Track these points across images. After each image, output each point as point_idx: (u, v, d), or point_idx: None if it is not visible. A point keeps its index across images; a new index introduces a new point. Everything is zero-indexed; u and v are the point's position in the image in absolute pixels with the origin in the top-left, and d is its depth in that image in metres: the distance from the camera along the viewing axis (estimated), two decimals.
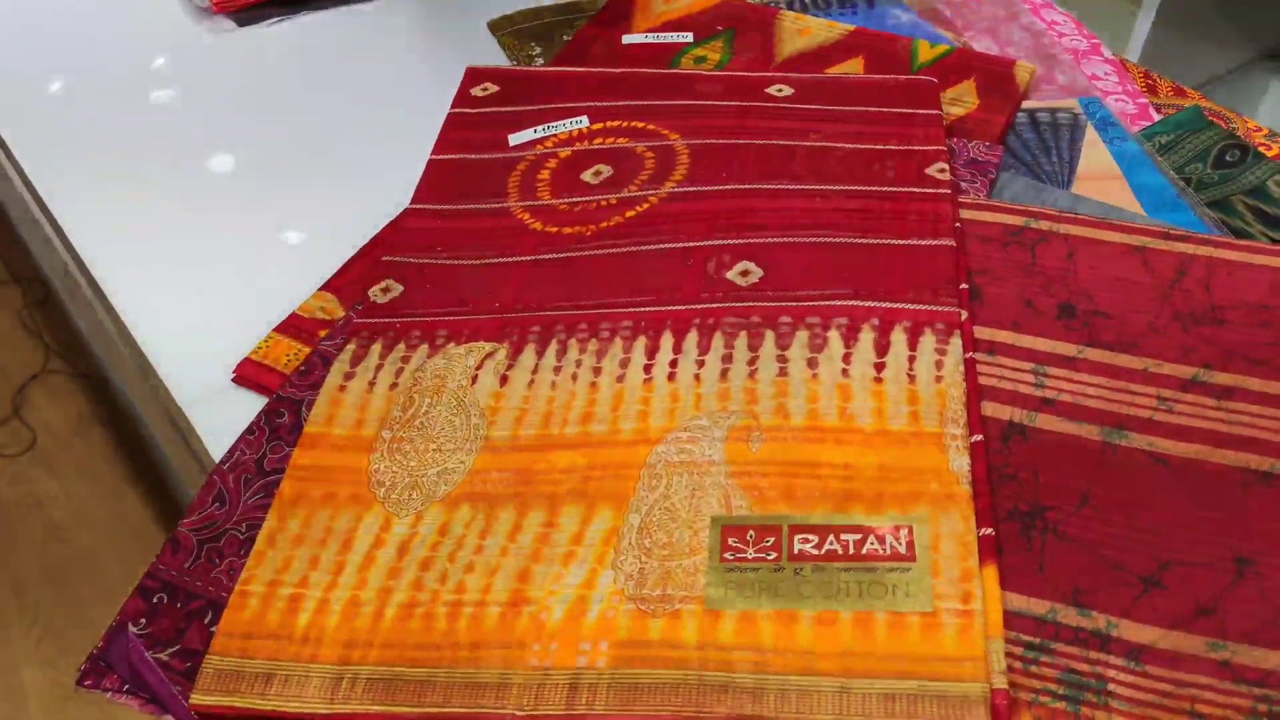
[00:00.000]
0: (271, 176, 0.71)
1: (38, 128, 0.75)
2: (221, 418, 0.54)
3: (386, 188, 0.66)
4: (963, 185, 0.64)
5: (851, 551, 0.43)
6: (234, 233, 0.66)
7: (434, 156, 0.68)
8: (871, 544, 0.43)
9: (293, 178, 0.70)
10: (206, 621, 0.45)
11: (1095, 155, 0.69)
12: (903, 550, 0.43)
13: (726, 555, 0.43)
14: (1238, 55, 1.59)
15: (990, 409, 0.49)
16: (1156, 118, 0.76)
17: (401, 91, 0.78)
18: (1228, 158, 0.70)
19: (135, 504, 1.36)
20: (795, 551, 0.43)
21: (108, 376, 1.35)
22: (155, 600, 0.46)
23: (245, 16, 0.83)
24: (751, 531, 0.44)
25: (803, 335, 0.52)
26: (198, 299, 0.62)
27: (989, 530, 0.44)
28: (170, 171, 0.71)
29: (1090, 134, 0.72)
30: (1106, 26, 1.58)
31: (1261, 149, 0.73)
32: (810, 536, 0.44)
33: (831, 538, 0.44)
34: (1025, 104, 0.74)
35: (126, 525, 1.34)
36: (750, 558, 0.43)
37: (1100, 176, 0.68)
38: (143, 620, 0.45)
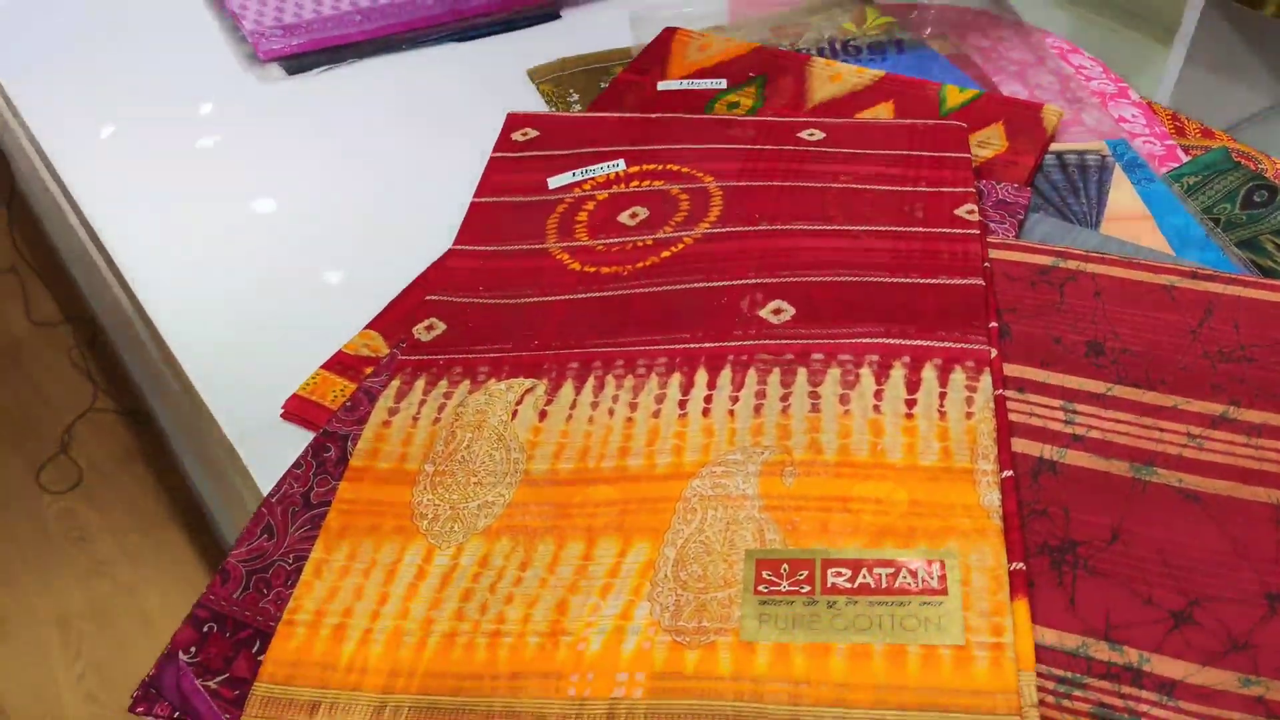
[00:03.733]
0: (318, 217, 0.73)
1: (93, 170, 0.77)
2: (270, 452, 0.56)
3: (430, 229, 0.68)
4: (991, 226, 0.65)
5: (884, 585, 0.44)
6: (282, 272, 0.69)
7: (476, 199, 0.70)
8: (904, 578, 0.44)
9: (339, 218, 0.73)
10: (255, 650, 0.46)
11: (1123, 196, 0.70)
12: (935, 584, 0.44)
13: (760, 588, 0.44)
14: (1269, 95, 1.59)
15: (1020, 445, 0.50)
16: (1184, 159, 0.77)
17: (445, 136, 0.80)
18: (1255, 198, 0.70)
19: (177, 538, 1.38)
20: (828, 585, 0.44)
21: (153, 413, 1.38)
22: (205, 629, 0.48)
23: (293, 64, 0.86)
24: (785, 565, 0.45)
25: (835, 372, 0.53)
26: (247, 337, 0.64)
27: (1020, 565, 0.44)
28: (220, 212, 0.73)
29: (1118, 175, 0.73)
30: (1136, 66, 1.58)
31: None
32: (843, 570, 0.45)
33: (864, 571, 0.44)
34: (1053, 146, 0.75)
35: (168, 559, 1.36)
36: (784, 591, 0.44)
37: (1128, 217, 0.69)
38: (193, 649, 0.47)
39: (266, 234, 0.72)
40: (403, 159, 0.78)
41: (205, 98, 0.84)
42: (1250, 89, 1.58)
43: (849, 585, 0.44)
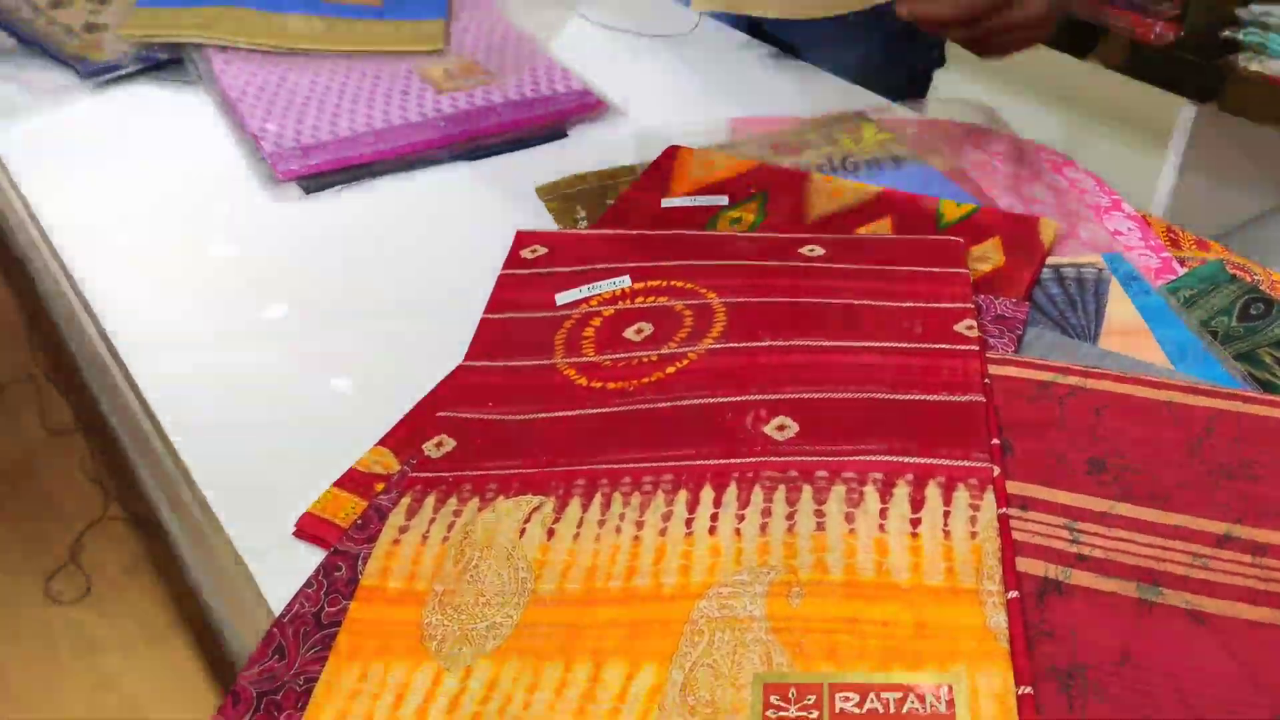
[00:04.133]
0: (333, 329, 0.75)
1: (110, 279, 0.80)
2: (282, 570, 0.56)
3: (443, 341, 0.70)
4: (991, 340, 0.66)
5: (893, 710, 0.44)
6: (297, 382, 0.70)
7: (486, 315, 0.72)
8: (912, 703, 0.44)
9: (353, 330, 0.74)
10: None
11: (1121, 310, 0.72)
12: (943, 709, 0.44)
13: (769, 713, 0.44)
14: (1265, 200, 1.63)
15: (1025, 565, 0.50)
16: (1180, 271, 0.78)
17: (456, 252, 0.82)
18: (1252, 310, 0.72)
19: (185, 650, 1.38)
20: (837, 710, 0.44)
21: (163, 522, 1.38)
22: None
23: (310, 184, 0.89)
24: (793, 689, 0.45)
25: (839, 490, 0.54)
26: (260, 447, 0.65)
27: (1028, 689, 0.44)
28: (234, 322, 0.75)
29: (1115, 289, 0.74)
30: (1132, 173, 1.62)
31: None
32: (851, 695, 0.45)
33: (872, 696, 0.44)
34: (1050, 260, 0.77)
35: (176, 673, 1.35)
36: (792, 716, 0.44)
37: (1127, 331, 0.70)
38: None
39: (280, 344, 0.74)
40: (415, 274, 0.80)
41: (223, 213, 0.87)
42: (1246, 194, 1.62)
43: (857, 710, 0.44)
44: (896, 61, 1.08)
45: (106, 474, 1.56)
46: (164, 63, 1.05)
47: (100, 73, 1.02)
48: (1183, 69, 1.39)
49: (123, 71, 1.02)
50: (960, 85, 1.07)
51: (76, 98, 1.01)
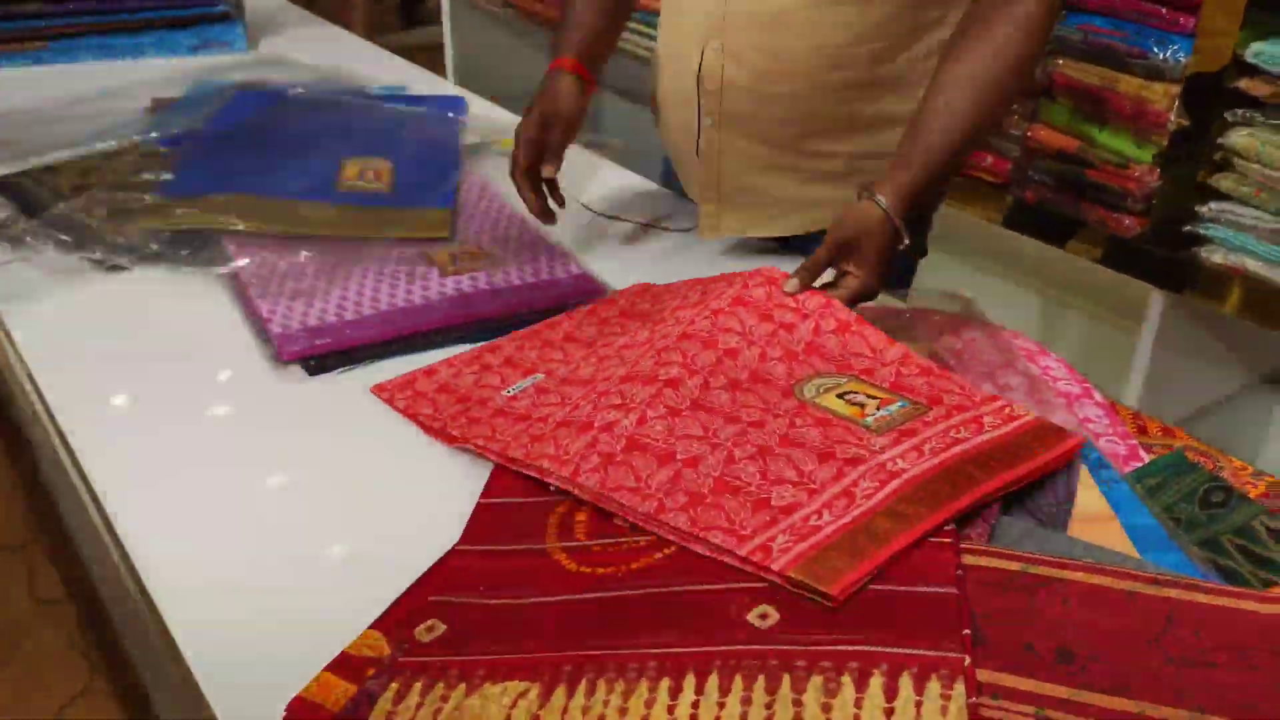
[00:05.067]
0: (329, 506, 0.77)
1: (108, 454, 0.82)
2: None
3: (438, 522, 0.72)
4: (964, 530, 0.69)
5: None
6: (292, 558, 0.72)
7: (482, 500, 0.75)
8: None
9: (350, 508, 0.77)
10: None
11: (1089, 498, 0.75)
12: None
13: None
14: (1237, 380, 1.68)
15: None
16: (1146, 458, 0.82)
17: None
18: (1213, 498, 0.75)
19: None
20: None
21: (150, 699, 1.37)
22: None
23: (314, 365, 0.93)
24: None
25: (817, 680, 0.56)
26: (252, 623, 0.67)
27: None
28: (232, 499, 0.78)
29: (1085, 476, 0.77)
30: (1107, 355, 1.68)
31: (1247, 487, 0.78)
32: None
33: None
34: None
35: None
36: None
37: (1095, 519, 0.73)
38: None
39: (278, 521, 0.76)
40: (416, 451, 0.83)
41: (228, 392, 0.90)
42: (1219, 374, 1.67)
43: None
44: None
45: (93, 646, 1.55)
46: (179, 246, 1.10)
47: (118, 257, 1.07)
48: (1152, 260, 1.47)
49: (136, 257, 1.07)
50: (943, 270, 1.13)
51: (90, 280, 1.06)
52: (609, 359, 0.88)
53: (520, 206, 1.14)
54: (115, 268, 1.07)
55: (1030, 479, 0.72)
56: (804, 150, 1.10)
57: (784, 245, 1.19)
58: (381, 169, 1.24)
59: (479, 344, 0.96)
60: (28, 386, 0.96)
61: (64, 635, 1.58)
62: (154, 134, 1.29)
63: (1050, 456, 0.73)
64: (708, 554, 0.66)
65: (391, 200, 1.20)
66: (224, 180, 1.17)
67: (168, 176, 1.18)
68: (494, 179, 1.28)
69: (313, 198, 1.17)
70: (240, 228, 1.10)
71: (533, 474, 0.75)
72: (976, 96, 0.93)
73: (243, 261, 1.06)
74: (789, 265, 0.94)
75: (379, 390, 0.89)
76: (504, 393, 0.86)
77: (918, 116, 0.95)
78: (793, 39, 1.03)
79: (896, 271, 1.16)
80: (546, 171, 1.10)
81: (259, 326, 0.98)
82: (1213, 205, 1.39)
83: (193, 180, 1.18)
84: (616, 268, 1.12)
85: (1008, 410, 0.78)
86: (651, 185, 1.35)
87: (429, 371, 0.91)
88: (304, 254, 1.07)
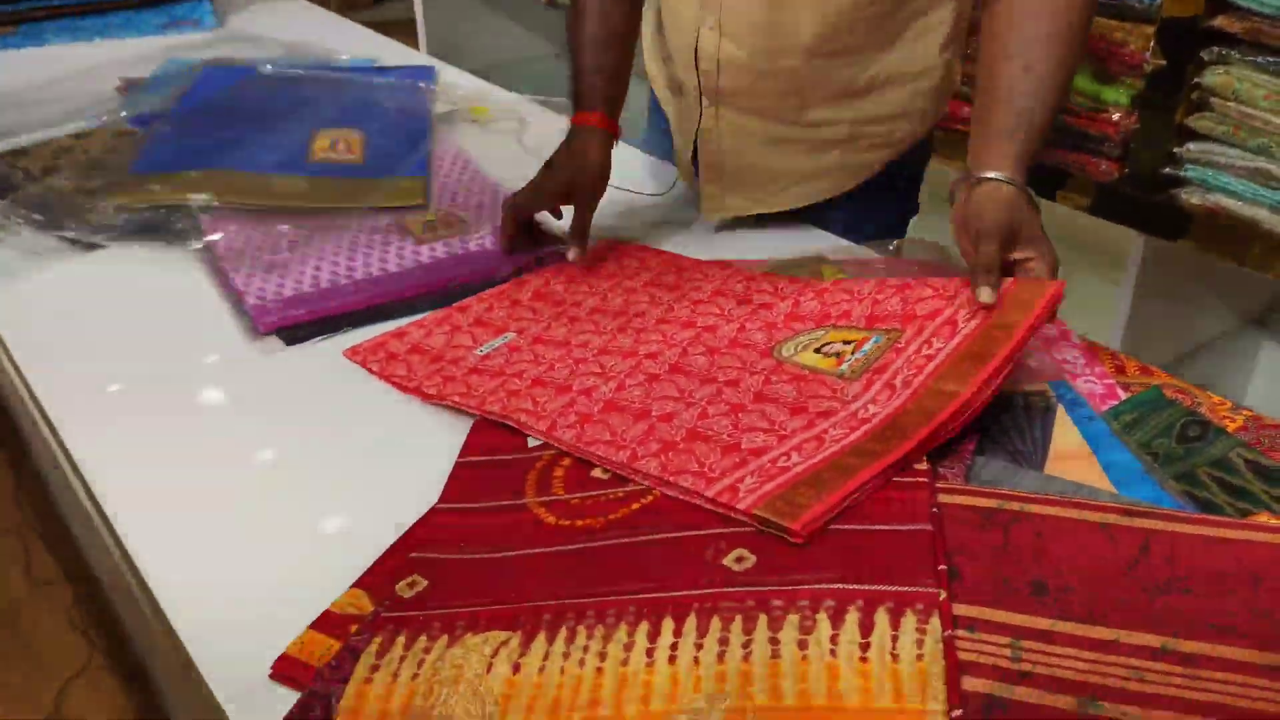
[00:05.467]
0: (313, 473, 0.77)
1: (92, 431, 0.82)
2: (259, 712, 0.58)
3: (421, 484, 0.73)
4: (940, 470, 0.69)
5: None
6: (275, 528, 0.72)
7: (460, 460, 0.75)
8: None
9: (333, 474, 0.77)
10: None
11: (1066, 436, 0.75)
12: None
13: None
14: (1220, 323, 1.68)
15: (971, 683, 0.52)
16: (1124, 396, 0.82)
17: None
18: (1190, 433, 0.75)
19: None
20: None
21: (150, 673, 1.38)
22: None
23: (291, 335, 0.93)
24: None
25: (794, 618, 0.56)
26: (240, 594, 0.67)
27: None
28: (215, 470, 0.78)
29: (1061, 415, 0.78)
30: (1090, 303, 1.68)
31: (1225, 422, 0.79)
32: None
33: None
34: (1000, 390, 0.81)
35: None
36: None
37: (1071, 456, 0.73)
38: None
39: (260, 488, 0.76)
40: (393, 416, 0.83)
41: (207, 365, 0.90)
42: (1202, 318, 1.68)
43: None
44: (877, 211, 1.15)
45: (92, 625, 1.56)
46: (153, 223, 1.09)
47: (92, 235, 1.07)
48: (1141, 208, 1.46)
49: (112, 234, 1.07)
50: (931, 229, 1.13)
51: (67, 259, 1.05)
52: (580, 320, 0.88)
53: (493, 173, 1.14)
54: (91, 246, 1.07)
55: (1012, 359, 0.73)
56: (806, 121, 1.08)
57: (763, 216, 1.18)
58: (353, 140, 1.23)
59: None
60: (8, 367, 0.96)
61: (62, 615, 1.58)
62: (124, 113, 1.29)
63: (1031, 321, 0.74)
64: (679, 497, 0.67)
65: (364, 170, 1.19)
66: (196, 156, 1.17)
67: (139, 155, 1.18)
68: (465, 147, 1.28)
69: (285, 171, 1.17)
70: (213, 203, 1.10)
71: (511, 424, 0.76)
72: (1059, 53, 0.88)
73: (216, 235, 1.05)
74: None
75: (351, 354, 0.89)
76: (476, 351, 0.87)
77: (996, 83, 0.89)
78: (791, 13, 1.00)
79: (888, 225, 1.17)
80: (572, 255, 1.01)
81: (235, 300, 0.97)
82: (1191, 146, 1.39)
83: (165, 157, 1.17)
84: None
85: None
86: (627, 149, 1.34)
87: (399, 334, 0.92)
88: (278, 227, 1.07)
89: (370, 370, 0.87)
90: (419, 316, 0.95)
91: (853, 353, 0.78)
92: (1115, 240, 1.55)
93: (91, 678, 1.49)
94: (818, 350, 0.81)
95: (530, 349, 0.86)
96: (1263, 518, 0.66)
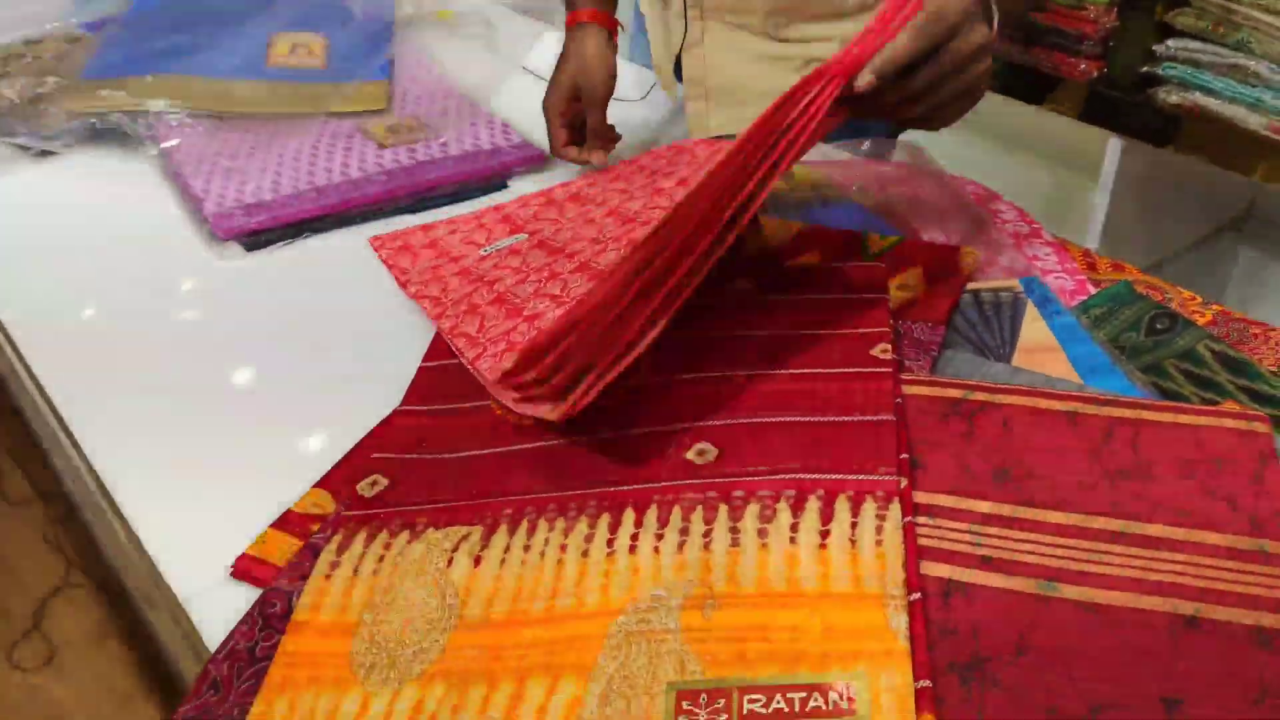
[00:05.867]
0: (274, 379, 0.76)
1: (55, 349, 0.81)
2: (221, 611, 0.57)
3: (385, 390, 0.72)
4: (907, 363, 0.69)
5: (797, 709, 0.46)
6: (237, 433, 0.71)
7: (424, 364, 0.74)
8: (816, 700, 0.46)
9: (295, 380, 0.76)
10: None
11: (1034, 330, 0.75)
12: (845, 706, 0.45)
13: (680, 719, 0.46)
14: (1196, 229, 1.67)
15: (930, 568, 0.52)
16: (1094, 291, 0.82)
17: (398, 303, 0.84)
18: (1158, 325, 0.75)
19: (150, 714, 1.37)
20: (744, 711, 0.46)
21: (126, 587, 1.38)
22: None
23: (251, 241, 0.91)
24: (704, 695, 0.47)
25: (754, 508, 0.56)
26: (203, 500, 0.67)
27: (926, 682, 0.46)
28: (184, 385, 0.77)
29: (1030, 310, 0.77)
30: (1066, 208, 1.67)
31: (1195, 316, 0.79)
32: (758, 696, 0.46)
33: (779, 696, 0.46)
34: (970, 286, 0.80)
35: None
36: (702, 719, 0.46)
37: (1039, 349, 0.73)
38: None
39: (222, 394, 0.75)
40: (357, 323, 0.82)
41: (166, 275, 0.89)
42: (1179, 223, 1.67)
43: (764, 711, 0.46)
44: (856, 128, 1.13)
45: (68, 542, 1.56)
46: (106, 130, 1.07)
47: (45, 143, 1.04)
48: (1114, 108, 1.44)
49: (66, 140, 1.04)
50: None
51: (20, 168, 1.03)
52: (591, 224, 0.85)
53: (459, 78, 1.11)
54: (44, 153, 1.04)
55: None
56: (795, 38, 1.05)
57: None
58: (314, 44, 1.20)
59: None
60: None
61: (38, 534, 1.58)
62: (75, 19, 1.24)
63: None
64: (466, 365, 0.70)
65: (325, 75, 1.16)
66: (150, 61, 1.13)
67: (91, 60, 1.14)
68: (430, 51, 1.25)
69: (243, 76, 1.14)
70: (169, 108, 1.07)
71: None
72: None
73: (173, 142, 1.03)
74: None
75: (374, 241, 0.90)
76: (481, 250, 0.85)
77: None
78: None
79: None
80: (596, 159, 1.00)
81: (193, 207, 0.95)
82: (1170, 43, 1.37)
83: (117, 62, 1.14)
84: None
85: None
86: None
87: (427, 227, 0.91)
88: (237, 133, 1.04)
89: (380, 257, 0.86)
90: (387, 224, 0.93)
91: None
92: (1092, 144, 1.54)
93: (69, 594, 1.50)
94: None
95: (527, 253, 0.83)
96: (1229, 405, 0.65)
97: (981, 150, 1.71)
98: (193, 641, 0.63)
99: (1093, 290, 0.82)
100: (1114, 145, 1.46)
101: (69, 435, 0.75)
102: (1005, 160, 1.74)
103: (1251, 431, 0.60)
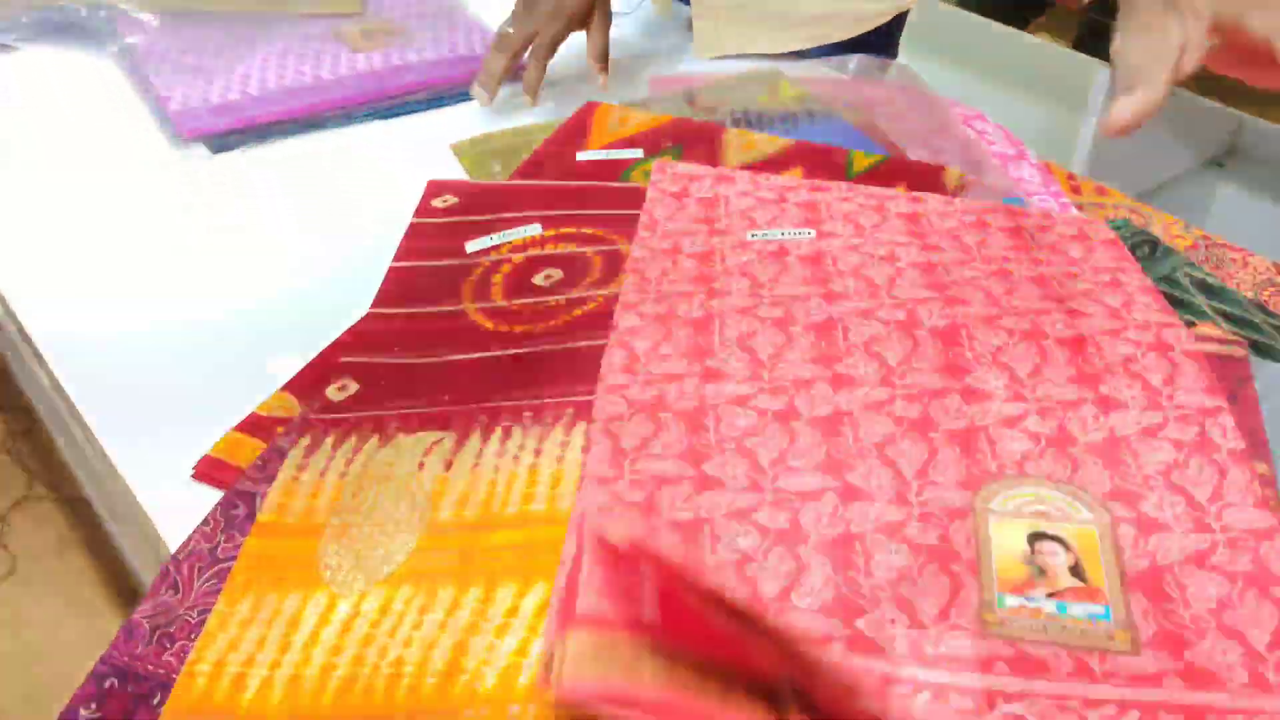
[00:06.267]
0: (243, 287, 0.74)
1: (12, 254, 0.78)
2: (181, 515, 0.56)
3: (354, 295, 0.69)
4: None
5: None
6: (201, 336, 0.69)
7: (394, 264, 0.72)
8: None
9: (263, 285, 0.74)
10: (155, 703, 0.46)
11: None
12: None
13: None
14: (1181, 163, 1.66)
15: None
16: (1077, 214, 0.81)
17: (369, 207, 0.82)
18: (1139, 252, 0.74)
19: (114, 626, 1.36)
20: None
21: (89, 499, 1.36)
22: (106, 685, 0.48)
23: (217, 143, 0.88)
24: None
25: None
26: (164, 402, 0.64)
27: None
28: (147, 290, 0.74)
29: None
30: (1052, 138, 1.65)
31: (1176, 241, 0.78)
32: None
33: None
34: None
35: (103, 646, 1.33)
36: None
37: None
38: (93, 705, 0.47)
39: (186, 298, 0.73)
40: (328, 228, 0.80)
41: (126, 177, 0.85)
42: (1164, 156, 1.66)
43: None
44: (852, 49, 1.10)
45: (29, 453, 1.53)
46: (65, 24, 1.02)
47: (3, 35, 1.00)
48: (1103, 33, 1.42)
49: (23, 34, 1.00)
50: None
51: None
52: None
53: None
54: (1, 48, 1.00)
55: None
56: None
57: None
58: None
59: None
60: None
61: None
62: None
63: None
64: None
65: None
66: None
67: None
68: None
69: None
70: (135, 4, 1.02)
71: None
72: None
73: (136, 38, 0.99)
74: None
75: (659, 170, 0.74)
76: (749, 234, 0.68)
77: None
78: None
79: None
80: (602, 82, 0.97)
81: (156, 105, 0.92)
82: None
83: None
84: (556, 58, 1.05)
85: None
86: None
87: (724, 178, 0.73)
88: (203, 30, 1.00)
89: (652, 184, 0.74)
90: (359, 129, 0.89)
91: None
92: (1079, 72, 1.52)
93: (31, 507, 1.48)
94: None
95: (791, 308, 0.64)
96: (1206, 328, 0.65)
97: (970, 75, 1.69)
98: (156, 549, 0.62)
99: (1076, 213, 0.81)
100: (1103, 76, 1.44)
101: (29, 344, 0.72)
102: (991, 87, 1.72)
103: (1230, 355, 0.60)
